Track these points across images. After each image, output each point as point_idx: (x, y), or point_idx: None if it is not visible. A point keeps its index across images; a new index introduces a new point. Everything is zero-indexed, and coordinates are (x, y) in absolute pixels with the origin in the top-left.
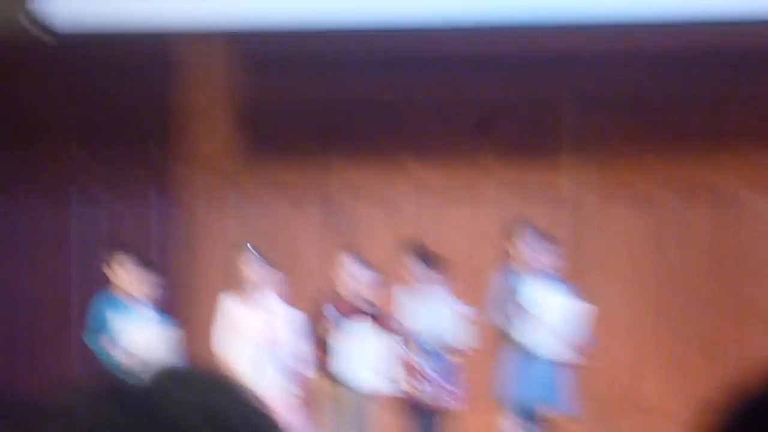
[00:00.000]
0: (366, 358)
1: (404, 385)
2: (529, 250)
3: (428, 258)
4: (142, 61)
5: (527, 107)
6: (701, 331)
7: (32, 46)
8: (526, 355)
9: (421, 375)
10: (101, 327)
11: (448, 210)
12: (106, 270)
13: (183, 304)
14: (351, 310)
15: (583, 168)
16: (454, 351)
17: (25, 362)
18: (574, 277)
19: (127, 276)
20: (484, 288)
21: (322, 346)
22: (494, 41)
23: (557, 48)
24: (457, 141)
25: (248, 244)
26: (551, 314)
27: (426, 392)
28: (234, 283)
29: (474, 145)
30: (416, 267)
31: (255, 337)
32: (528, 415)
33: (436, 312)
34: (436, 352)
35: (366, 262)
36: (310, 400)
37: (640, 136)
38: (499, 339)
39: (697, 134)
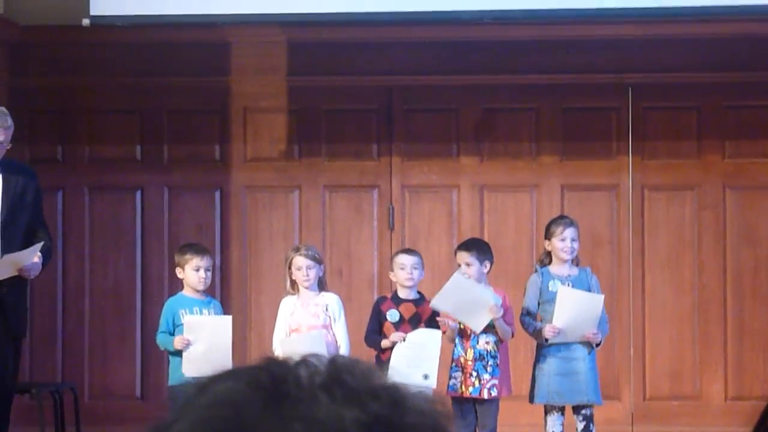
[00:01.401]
0: (423, 359)
1: (458, 383)
2: (563, 245)
3: (482, 252)
4: (200, 61)
5: (588, 108)
6: (765, 330)
7: (93, 45)
8: (559, 351)
9: (475, 374)
10: (172, 327)
11: (508, 211)
12: (176, 269)
13: (242, 304)
14: (408, 310)
15: (646, 168)
16: (502, 344)
17: (90, 360)
18: (639, 278)
19: (195, 275)
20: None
21: (380, 347)
22: (561, 44)
23: (617, 48)
24: (518, 141)
25: (306, 245)
26: (581, 310)
27: (478, 388)
28: (292, 283)
29: (535, 144)
30: (469, 261)
31: (313, 339)
32: (570, 409)
33: (485, 307)
34: (488, 351)
35: (422, 261)
36: None
37: (704, 135)
38: (533, 336)
39: (762, 132)
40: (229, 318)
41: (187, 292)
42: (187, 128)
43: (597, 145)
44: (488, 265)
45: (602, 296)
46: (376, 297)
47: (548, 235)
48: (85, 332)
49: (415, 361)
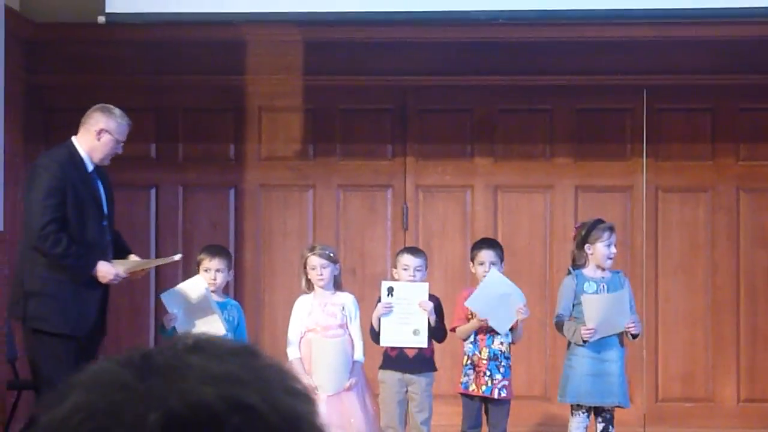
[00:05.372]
0: (412, 313)
1: (470, 381)
2: (608, 251)
3: (501, 252)
4: (216, 60)
5: (602, 109)
6: None
7: (108, 43)
8: (593, 352)
9: (488, 373)
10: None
11: (522, 212)
12: (200, 272)
13: (256, 303)
14: None
15: (659, 170)
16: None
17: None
18: (652, 280)
19: (206, 276)
20: (555, 288)
21: (377, 335)
22: (579, 47)
23: (632, 48)
24: (532, 141)
25: (322, 245)
26: (610, 309)
27: (490, 388)
28: (307, 282)
29: (549, 146)
30: (494, 259)
31: (327, 337)
32: (592, 410)
33: (505, 307)
34: (502, 352)
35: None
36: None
37: (718, 138)
38: (564, 337)
39: None
40: (199, 277)
41: None
42: (202, 127)
43: (611, 146)
44: (503, 266)
45: (624, 290)
46: None
47: (591, 240)
48: None
49: (404, 318)
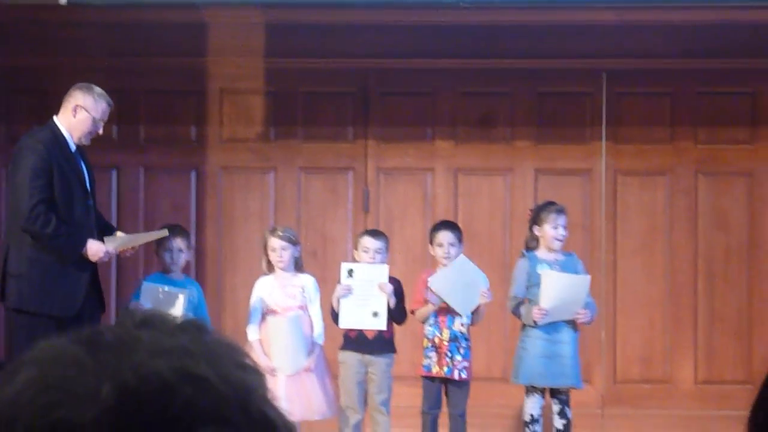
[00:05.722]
0: (372, 295)
1: (432, 363)
2: (556, 232)
3: (461, 233)
4: (178, 42)
5: (563, 93)
6: (736, 315)
7: (70, 25)
8: (546, 333)
9: (449, 354)
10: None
11: (482, 194)
12: (159, 252)
13: (217, 285)
14: None
15: (619, 153)
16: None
17: None
18: (611, 262)
19: (165, 255)
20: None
21: (336, 317)
22: (544, 28)
23: (592, 32)
24: (493, 125)
25: (283, 227)
26: (567, 292)
27: (450, 369)
28: (268, 264)
29: (509, 129)
30: (453, 241)
31: (286, 319)
32: (547, 391)
33: (465, 289)
34: (462, 333)
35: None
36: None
37: (677, 121)
38: (523, 320)
39: (735, 119)
40: (186, 291)
41: (165, 272)
42: (164, 108)
43: (571, 129)
44: (462, 248)
45: (588, 276)
46: None
47: (539, 221)
48: None
49: (363, 300)
